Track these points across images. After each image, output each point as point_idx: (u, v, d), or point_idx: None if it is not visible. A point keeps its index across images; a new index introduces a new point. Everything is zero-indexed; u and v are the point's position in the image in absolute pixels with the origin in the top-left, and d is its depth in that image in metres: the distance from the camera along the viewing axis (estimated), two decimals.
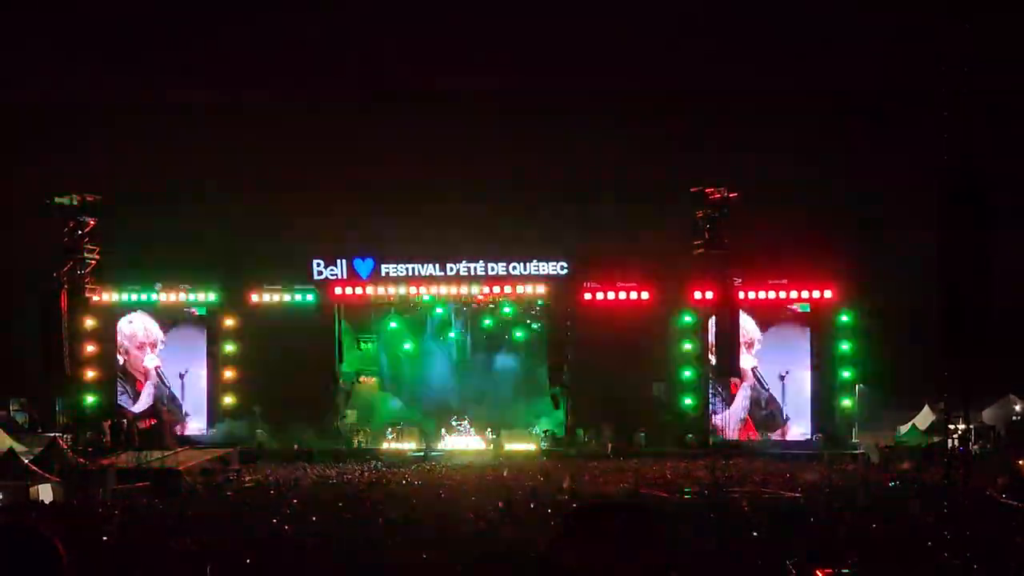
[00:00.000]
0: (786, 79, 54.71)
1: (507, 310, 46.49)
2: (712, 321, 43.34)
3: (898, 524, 21.73)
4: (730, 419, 43.96)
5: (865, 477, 30.71)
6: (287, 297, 46.18)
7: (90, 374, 44.67)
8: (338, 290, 45.82)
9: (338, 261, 45.70)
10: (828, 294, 43.85)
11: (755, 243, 44.65)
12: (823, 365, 43.95)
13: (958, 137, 29.93)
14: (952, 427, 32.53)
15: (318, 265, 45.82)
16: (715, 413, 43.83)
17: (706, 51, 55.82)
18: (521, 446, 42.75)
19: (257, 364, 44.74)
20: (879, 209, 51.29)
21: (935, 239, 31.31)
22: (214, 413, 46.04)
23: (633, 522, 3.51)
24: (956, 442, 32.18)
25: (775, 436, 43.89)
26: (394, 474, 35.39)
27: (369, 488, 30.36)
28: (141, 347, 46.72)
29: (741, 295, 43.14)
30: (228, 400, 45.82)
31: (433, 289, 45.71)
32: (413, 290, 45.71)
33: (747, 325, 43.84)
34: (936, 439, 38.20)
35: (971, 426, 35.42)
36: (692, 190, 41.96)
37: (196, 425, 46.11)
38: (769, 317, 44.33)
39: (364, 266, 45.70)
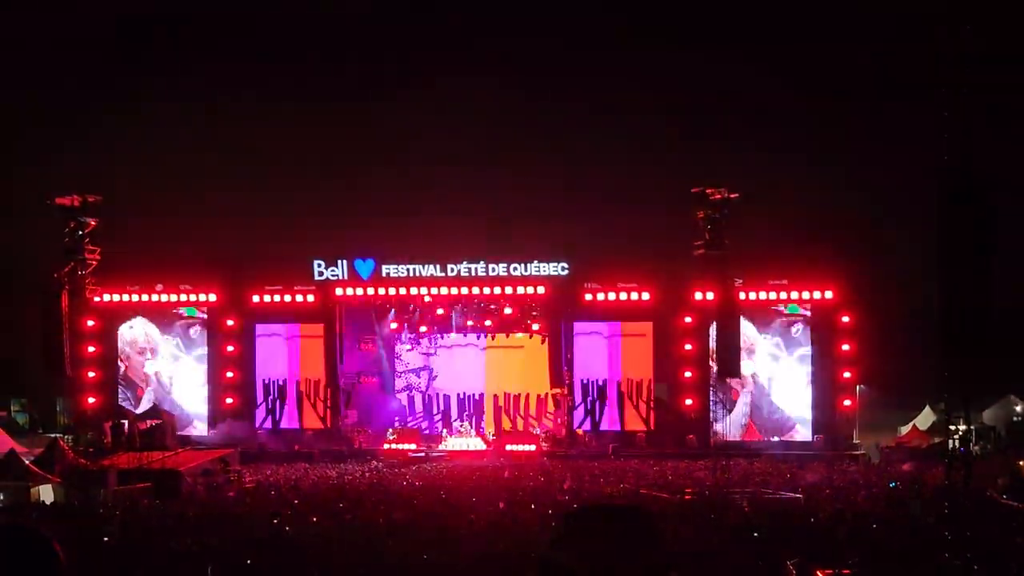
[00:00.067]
0: (786, 79, 54.76)
1: (508, 311, 46.52)
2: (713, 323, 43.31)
3: (898, 524, 21.74)
4: (732, 425, 43.91)
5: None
6: (288, 298, 46.21)
7: (91, 375, 44.67)
8: (339, 291, 45.87)
9: (339, 262, 45.73)
10: (829, 295, 43.82)
11: (756, 244, 44.68)
12: (824, 366, 43.91)
13: (958, 137, 29.92)
14: (953, 428, 32.49)
15: (319, 266, 45.85)
16: (716, 420, 43.79)
17: (706, 51, 55.83)
18: (522, 447, 42.75)
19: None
20: (879, 209, 51.35)
21: (935, 239, 31.29)
22: (215, 414, 46.09)
23: (633, 523, 3.53)
24: (957, 443, 32.14)
25: (786, 439, 43.80)
26: (395, 475, 35.39)
27: (370, 489, 30.36)
28: (142, 352, 46.74)
29: (742, 296, 43.11)
30: (229, 401, 45.86)
31: (434, 290, 45.72)
32: (414, 291, 45.72)
33: (747, 331, 43.83)
34: (937, 440, 38.22)
35: (971, 427, 35.43)
36: (693, 191, 41.88)
37: (197, 426, 46.14)
38: (769, 322, 44.29)
39: (365, 267, 45.72)
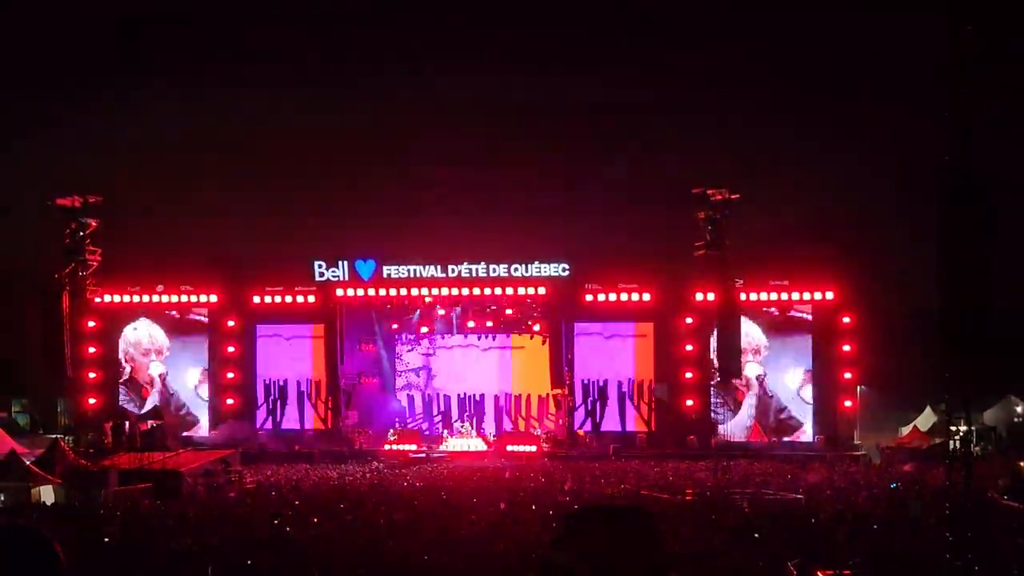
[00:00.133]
0: (786, 79, 54.78)
1: (509, 311, 46.56)
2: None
3: (899, 525, 21.75)
4: (736, 426, 43.93)
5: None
6: (288, 298, 46.23)
7: (92, 376, 44.68)
8: (340, 291, 45.90)
9: (339, 262, 45.75)
10: (829, 295, 43.83)
11: (756, 244, 44.69)
12: (824, 367, 43.91)
13: (958, 137, 29.90)
14: (953, 428, 32.44)
15: (320, 266, 45.87)
16: (720, 421, 43.80)
17: (706, 51, 55.87)
18: (523, 447, 42.75)
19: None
20: (879, 210, 51.34)
21: (935, 239, 31.27)
22: (216, 415, 46.12)
23: (633, 523, 3.53)
24: (957, 443, 32.10)
25: (788, 440, 43.78)
26: (396, 475, 35.39)
27: (371, 490, 30.37)
28: (146, 354, 46.74)
29: (743, 296, 43.13)
30: (230, 402, 45.88)
31: (435, 291, 45.75)
32: (415, 291, 45.75)
33: (753, 332, 43.85)
34: (937, 440, 38.18)
35: (972, 427, 35.37)
36: (693, 191, 41.94)
37: (201, 426, 46.20)
38: (776, 324, 44.28)
39: (366, 267, 45.75)
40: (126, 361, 46.53)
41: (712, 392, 44.01)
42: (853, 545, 18.46)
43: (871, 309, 43.77)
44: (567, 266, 45.10)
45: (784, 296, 44.13)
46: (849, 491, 29.54)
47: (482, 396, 47.69)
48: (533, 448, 42.58)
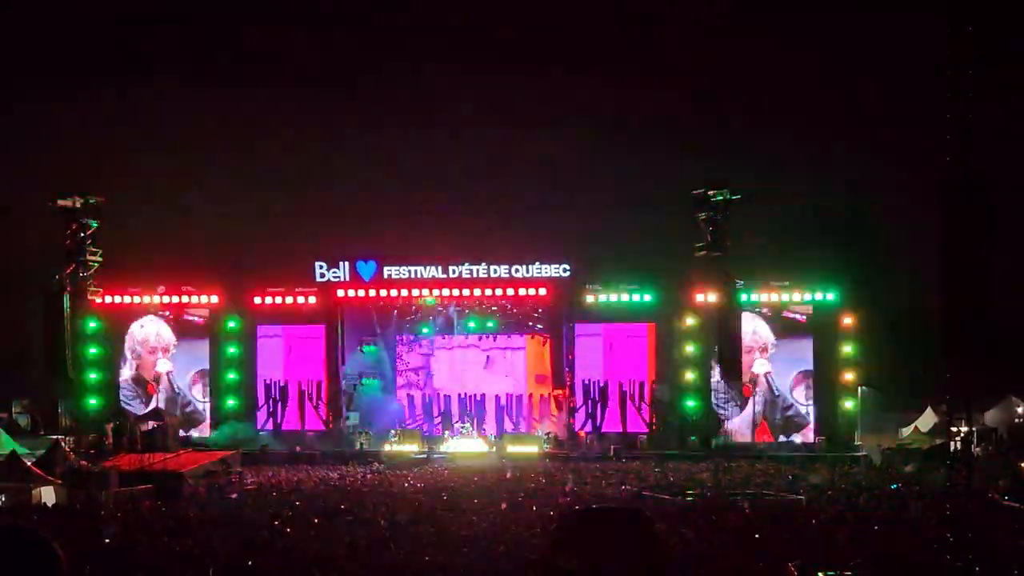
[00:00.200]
0: (786, 79, 54.77)
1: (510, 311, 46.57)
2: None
3: (900, 526, 21.75)
4: (743, 424, 43.90)
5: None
6: (289, 299, 46.23)
7: (92, 376, 44.68)
8: (340, 292, 45.90)
9: (340, 263, 45.76)
10: (830, 296, 43.82)
11: (757, 245, 44.67)
12: (825, 367, 43.88)
13: (958, 137, 29.90)
14: (954, 429, 32.45)
15: (320, 267, 45.87)
16: (727, 419, 43.74)
17: (706, 51, 55.87)
18: (523, 448, 42.73)
19: None
20: (880, 210, 51.33)
21: (935, 239, 31.27)
22: (216, 415, 46.12)
23: (631, 525, 3.54)
24: (958, 444, 32.10)
25: (796, 439, 43.76)
26: (397, 476, 35.39)
27: (372, 491, 30.37)
28: (153, 351, 46.72)
29: (743, 297, 43.09)
30: (230, 402, 45.87)
31: (436, 291, 45.75)
32: (416, 292, 45.74)
33: (761, 331, 43.84)
34: (938, 441, 38.15)
35: (973, 428, 35.36)
36: (694, 192, 41.89)
37: (199, 427, 46.20)
38: (784, 323, 44.23)
39: (367, 268, 45.76)
40: (133, 358, 46.55)
41: (717, 389, 43.86)
42: (854, 546, 18.47)
43: (872, 309, 43.74)
44: (568, 266, 45.10)
45: (785, 297, 44.11)
46: (850, 492, 29.54)
47: (483, 397, 47.65)
48: (534, 449, 42.56)
